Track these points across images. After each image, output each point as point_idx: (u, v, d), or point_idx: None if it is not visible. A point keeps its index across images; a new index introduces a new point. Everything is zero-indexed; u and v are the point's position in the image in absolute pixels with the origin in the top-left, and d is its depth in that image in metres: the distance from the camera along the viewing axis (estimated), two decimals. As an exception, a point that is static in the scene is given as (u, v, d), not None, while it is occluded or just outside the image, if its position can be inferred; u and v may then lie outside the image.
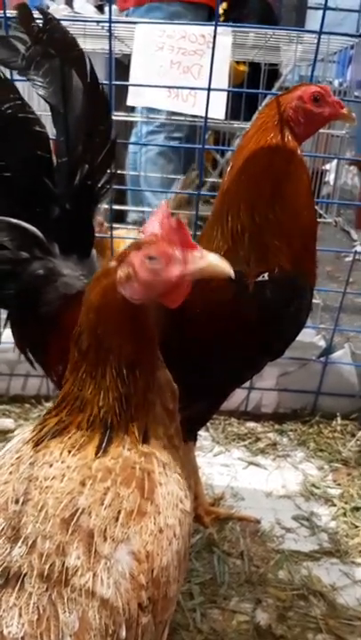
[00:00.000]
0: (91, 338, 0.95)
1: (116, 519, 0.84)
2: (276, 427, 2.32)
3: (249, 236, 1.35)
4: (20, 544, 0.82)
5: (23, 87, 1.45)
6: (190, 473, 1.07)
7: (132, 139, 3.84)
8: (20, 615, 0.76)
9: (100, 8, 4.10)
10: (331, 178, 3.11)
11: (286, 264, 1.35)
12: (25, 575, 0.79)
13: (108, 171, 1.46)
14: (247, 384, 2.27)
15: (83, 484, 0.87)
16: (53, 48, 1.38)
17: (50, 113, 1.43)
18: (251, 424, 2.33)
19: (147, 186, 3.73)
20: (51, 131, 1.43)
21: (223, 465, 2.09)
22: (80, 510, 0.84)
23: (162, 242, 0.91)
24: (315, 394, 2.35)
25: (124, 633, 0.79)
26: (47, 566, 0.79)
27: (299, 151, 1.39)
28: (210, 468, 2.06)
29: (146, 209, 3.69)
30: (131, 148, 3.94)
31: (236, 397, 2.32)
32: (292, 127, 1.37)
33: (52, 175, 1.41)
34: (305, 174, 1.41)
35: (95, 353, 0.95)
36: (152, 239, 0.92)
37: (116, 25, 2.39)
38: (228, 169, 1.45)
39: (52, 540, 0.81)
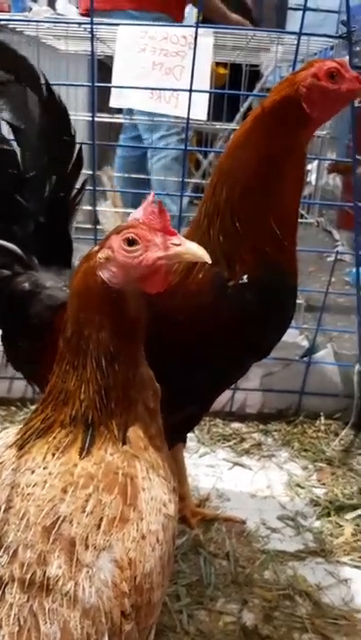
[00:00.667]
0: (73, 324, 0.95)
1: (98, 526, 0.84)
2: (261, 427, 2.33)
3: (231, 232, 1.33)
4: (1, 553, 0.82)
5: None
6: (176, 474, 1.07)
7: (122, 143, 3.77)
8: (1, 627, 0.76)
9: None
10: (312, 178, 3.12)
11: (268, 264, 1.35)
12: (6, 585, 0.79)
13: (79, 179, 1.47)
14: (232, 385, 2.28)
15: (64, 490, 0.87)
16: (3, 69, 1.40)
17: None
18: (236, 425, 2.34)
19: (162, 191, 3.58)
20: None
21: (208, 466, 2.10)
22: (61, 518, 0.84)
23: (142, 226, 0.92)
24: (299, 394, 2.37)
25: (106, 641, 0.79)
26: (28, 576, 0.79)
27: (307, 144, 1.32)
28: (195, 469, 2.06)
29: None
30: (118, 152, 3.90)
31: (221, 398, 2.31)
32: (305, 109, 1.26)
33: (23, 191, 1.43)
34: (302, 170, 1.35)
35: (77, 341, 0.95)
36: (133, 223, 0.93)
37: (99, 26, 2.38)
38: (228, 149, 1.37)
39: (34, 549, 0.81)
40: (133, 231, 0.91)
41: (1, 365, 2.24)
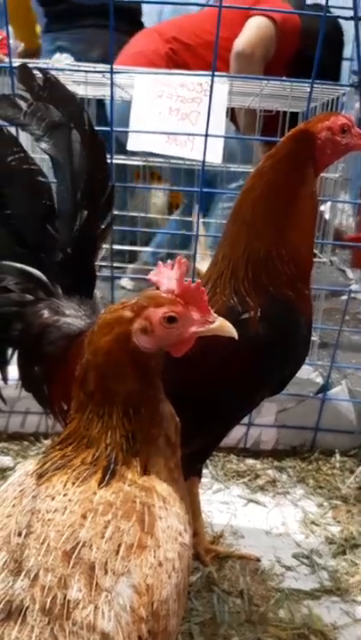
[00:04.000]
0: (98, 379, 1.00)
1: (117, 552, 0.85)
2: (276, 463, 2.32)
3: (250, 267, 1.40)
4: (22, 577, 0.83)
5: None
6: (190, 508, 1.09)
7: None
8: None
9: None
10: (326, 218, 3.19)
11: (281, 301, 1.39)
12: (27, 608, 0.80)
13: (108, 216, 1.53)
14: (246, 420, 2.28)
15: (84, 517, 0.89)
16: (53, 104, 1.48)
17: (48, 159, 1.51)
18: (250, 461, 2.33)
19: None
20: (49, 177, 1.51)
21: (223, 502, 2.09)
22: (81, 543, 0.85)
23: (181, 303, 0.99)
24: (313, 430, 2.36)
25: (124, 666, 0.79)
26: (49, 599, 0.80)
27: (315, 185, 1.44)
28: (209, 505, 2.05)
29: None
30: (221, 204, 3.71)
31: (236, 434, 2.33)
32: (317, 158, 1.42)
33: (54, 222, 1.49)
34: (316, 212, 1.46)
35: (102, 394, 1.00)
36: (172, 300, 0.99)
37: (117, 74, 2.49)
38: (243, 190, 1.47)
39: (54, 573, 0.82)
40: (175, 310, 0.98)
41: (15, 400, 2.29)
